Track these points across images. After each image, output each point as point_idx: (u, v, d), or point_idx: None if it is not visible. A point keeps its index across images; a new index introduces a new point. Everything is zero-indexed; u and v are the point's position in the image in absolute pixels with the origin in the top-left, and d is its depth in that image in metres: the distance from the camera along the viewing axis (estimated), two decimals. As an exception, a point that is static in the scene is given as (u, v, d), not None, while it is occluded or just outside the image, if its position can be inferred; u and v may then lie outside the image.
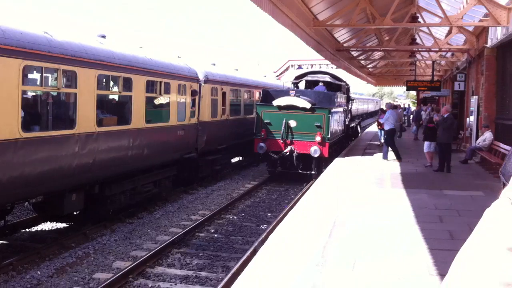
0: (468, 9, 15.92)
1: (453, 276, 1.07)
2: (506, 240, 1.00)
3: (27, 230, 12.00)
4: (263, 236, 11.00)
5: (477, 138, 18.98)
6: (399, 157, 18.21)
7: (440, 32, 23.96)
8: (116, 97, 13.34)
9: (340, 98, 22.39)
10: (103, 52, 11.59)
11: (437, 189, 12.67)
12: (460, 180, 14.48)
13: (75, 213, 12.21)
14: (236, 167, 23.05)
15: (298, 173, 19.10)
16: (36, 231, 12.04)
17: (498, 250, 1.00)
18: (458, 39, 23.69)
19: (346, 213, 9.77)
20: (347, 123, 25.83)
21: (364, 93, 78.17)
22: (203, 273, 9.23)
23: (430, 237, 8.01)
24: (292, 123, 18.83)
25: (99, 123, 11.43)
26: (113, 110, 13.04)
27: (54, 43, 9.83)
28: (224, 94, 19.84)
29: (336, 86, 23.59)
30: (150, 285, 8.66)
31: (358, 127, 35.14)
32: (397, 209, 10.22)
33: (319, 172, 17.48)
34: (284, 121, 18.73)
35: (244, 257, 9.70)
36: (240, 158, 24.89)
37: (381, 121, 20.20)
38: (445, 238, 8.08)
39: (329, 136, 18.77)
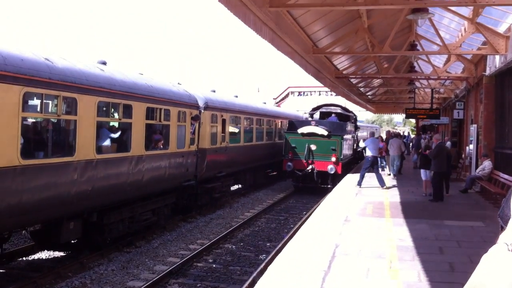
0: (466, 37, 16.05)
1: None
2: (503, 287, 0.99)
3: (24, 258, 11.87)
4: (261, 266, 10.89)
5: (477, 167, 18.93)
6: (359, 183, 18.79)
7: (438, 60, 24.13)
8: (116, 124, 13.32)
9: (350, 126, 26.79)
10: (103, 78, 11.60)
11: (437, 219, 12.58)
12: (460, 210, 14.40)
13: (72, 241, 12.09)
14: (235, 195, 22.95)
15: (318, 187, 23.23)
16: (33, 259, 11.90)
17: None
18: (457, 67, 23.86)
19: (346, 243, 9.68)
20: (354, 147, 30.62)
21: (363, 120, 78.38)
22: (201, 304, 9.10)
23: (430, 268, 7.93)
24: (313, 147, 23.40)
25: (98, 150, 11.40)
26: (112, 137, 13.00)
27: (55, 69, 9.83)
28: (224, 121, 19.86)
29: (345, 117, 28.64)
30: (147, 316, 8.52)
31: (363, 151, 37.69)
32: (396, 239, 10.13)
33: (334, 185, 21.17)
34: (306, 145, 23.26)
35: (243, 288, 9.59)
36: (239, 186, 24.84)
37: (369, 148, 19.99)
38: (445, 270, 7.99)
39: (341, 157, 23.34)
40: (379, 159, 23.60)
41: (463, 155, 24.87)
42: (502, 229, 1.14)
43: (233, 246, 13.85)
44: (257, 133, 25.20)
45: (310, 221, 12.34)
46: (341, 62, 23.31)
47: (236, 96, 24.52)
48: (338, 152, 23.18)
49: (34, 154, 9.89)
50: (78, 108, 10.53)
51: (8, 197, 8.66)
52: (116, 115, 12.77)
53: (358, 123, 33.82)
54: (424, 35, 19.20)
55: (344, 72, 24.72)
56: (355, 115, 31.46)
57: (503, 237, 1.11)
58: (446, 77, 25.02)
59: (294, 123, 24.91)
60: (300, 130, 23.70)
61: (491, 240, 1.09)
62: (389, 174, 23.25)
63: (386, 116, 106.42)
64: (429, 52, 19.85)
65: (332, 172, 22.90)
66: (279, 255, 9.01)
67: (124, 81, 12.60)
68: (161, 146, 14.66)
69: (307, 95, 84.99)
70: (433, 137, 18.06)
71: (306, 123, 24.74)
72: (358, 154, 33.93)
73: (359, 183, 18.85)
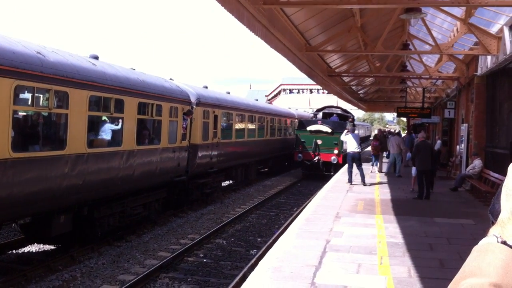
0: (458, 38, 16.12)
1: None
2: (491, 276, 1.01)
3: (14, 251, 11.82)
4: (252, 261, 10.91)
5: (467, 165, 19.06)
6: (349, 180, 19.01)
7: (430, 60, 24.23)
8: (108, 119, 13.26)
9: (348, 125, 29.98)
10: (95, 73, 11.56)
11: (427, 217, 12.66)
12: (450, 207, 14.49)
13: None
14: (226, 191, 22.96)
15: (322, 174, 27.71)
16: (23, 252, 11.86)
17: (483, 286, 1.01)
18: (448, 67, 23.97)
19: (337, 239, 9.72)
20: None
21: (355, 118, 78.49)
22: (192, 299, 9.11)
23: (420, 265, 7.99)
24: (319, 141, 28.63)
25: (90, 144, 11.37)
26: (104, 131, 12.95)
27: (47, 63, 9.79)
28: (216, 117, 19.86)
29: (344, 117, 34.38)
30: (137, 310, 8.53)
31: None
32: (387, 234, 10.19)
33: (335, 172, 25.16)
34: (313, 140, 28.57)
35: (233, 283, 9.62)
36: (231, 181, 24.85)
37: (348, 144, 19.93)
38: (435, 266, 8.05)
39: (342, 150, 27.33)
40: (372, 157, 23.87)
41: (454, 154, 25.00)
42: (493, 224, 1.17)
43: (224, 241, 13.87)
44: (249, 129, 25.24)
45: (301, 217, 12.37)
46: (334, 61, 23.33)
47: (228, 93, 24.53)
48: (340, 146, 27.75)
49: (25, 147, 9.84)
50: (70, 102, 10.49)
51: (-2, 189, 8.62)
52: (107, 109, 12.72)
53: (354, 122, 37.37)
54: (417, 35, 19.28)
55: (336, 70, 24.75)
56: (352, 115, 36.73)
57: (492, 230, 1.14)
58: (437, 77, 25.13)
59: (303, 122, 30.68)
60: (308, 128, 29.02)
61: (481, 237, 1.12)
62: (381, 171, 23.35)
63: (377, 115, 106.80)
64: (421, 52, 19.92)
65: (335, 162, 28.14)
66: (270, 250, 9.03)
67: (116, 76, 12.56)
68: (153, 141, 14.64)
69: (299, 92, 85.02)
70: (418, 135, 18.15)
71: (313, 122, 30.10)
72: None
73: (350, 180, 18.93)
